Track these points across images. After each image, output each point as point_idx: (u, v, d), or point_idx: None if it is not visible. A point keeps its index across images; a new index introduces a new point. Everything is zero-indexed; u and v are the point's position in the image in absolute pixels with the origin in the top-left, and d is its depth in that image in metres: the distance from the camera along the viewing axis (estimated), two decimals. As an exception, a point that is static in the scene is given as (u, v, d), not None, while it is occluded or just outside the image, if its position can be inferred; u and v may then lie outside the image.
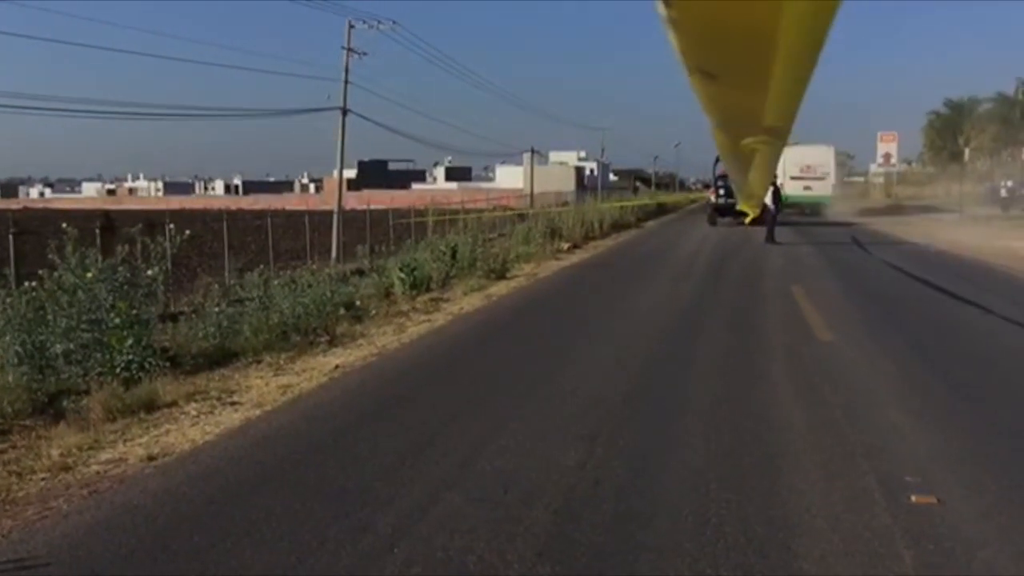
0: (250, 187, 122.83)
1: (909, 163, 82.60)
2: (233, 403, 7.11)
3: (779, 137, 12.12)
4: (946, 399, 7.04)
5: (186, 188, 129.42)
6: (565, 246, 24.44)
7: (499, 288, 15.26)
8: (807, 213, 39.07)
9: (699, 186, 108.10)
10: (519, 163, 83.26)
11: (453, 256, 16.87)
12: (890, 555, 3.90)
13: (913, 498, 4.59)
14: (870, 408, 6.66)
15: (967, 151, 60.52)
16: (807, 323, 10.81)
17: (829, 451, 5.51)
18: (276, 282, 11.74)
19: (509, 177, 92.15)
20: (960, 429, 6.10)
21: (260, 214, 25.11)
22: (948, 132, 71.02)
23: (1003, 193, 47.55)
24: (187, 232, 9.74)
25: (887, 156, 66.60)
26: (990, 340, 9.86)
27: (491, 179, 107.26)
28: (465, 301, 13.51)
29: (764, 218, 25.89)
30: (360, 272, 18.29)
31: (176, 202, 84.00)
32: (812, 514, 4.41)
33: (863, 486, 4.83)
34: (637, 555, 3.95)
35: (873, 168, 74.73)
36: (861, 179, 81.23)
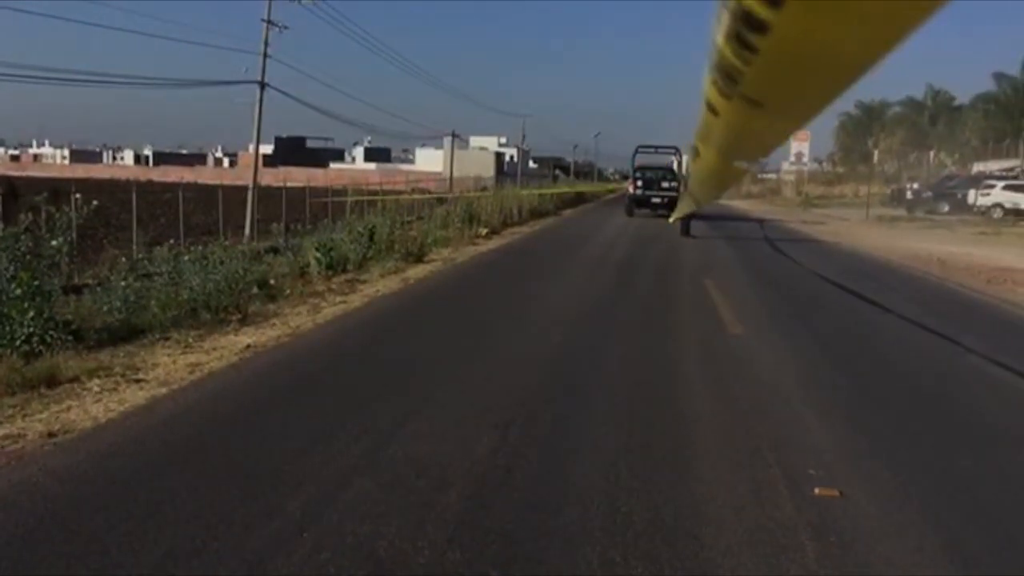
0: (161, 158, 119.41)
1: (820, 163, 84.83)
2: (138, 380, 6.91)
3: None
4: (848, 393, 7.25)
5: (94, 156, 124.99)
6: (483, 232, 24.43)
7: (416, 271, 15.18)
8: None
9: (617, 177, 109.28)
10: (439, 146, 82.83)
11: (371, 238, 16.70)
12: (793, 546, 4.00)
13: (816, 491, 4.72)
14: (776, 401, 6.82)
15: (876, 153, 62.43)
16: (718, 316, 11.01)
17: (737, 443, 5.63)
18: (186, 257, 11.43)
19: (429, 160, 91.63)
20: (862, 423, 6.28)
21: (171, 186, 24.43)
22: (859, 134, 73.23)
23: (909, 195, 49.22)
24: (94, 202, 9.42)
25: (799, 155, 68.34)
26: (891, 337, 10.19)
27: (411, 161, 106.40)
28: (382, 283, 13.40)
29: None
30: (275, 250, 18.00)
31: (83, 170, 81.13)
32: (719, 504, 4.50)
33: (768, 478, 4.95)
34: (547, 542, 3.97)
35: (785, 166, 76.50)
36: (773, 176, 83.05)
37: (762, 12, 1.17)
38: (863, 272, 17.83)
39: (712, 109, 1.85)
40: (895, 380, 7.92)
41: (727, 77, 1.57)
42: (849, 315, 12.07)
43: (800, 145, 66.51)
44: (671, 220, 28.78)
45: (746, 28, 1.26)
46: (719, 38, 1.43)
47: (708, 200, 18.89)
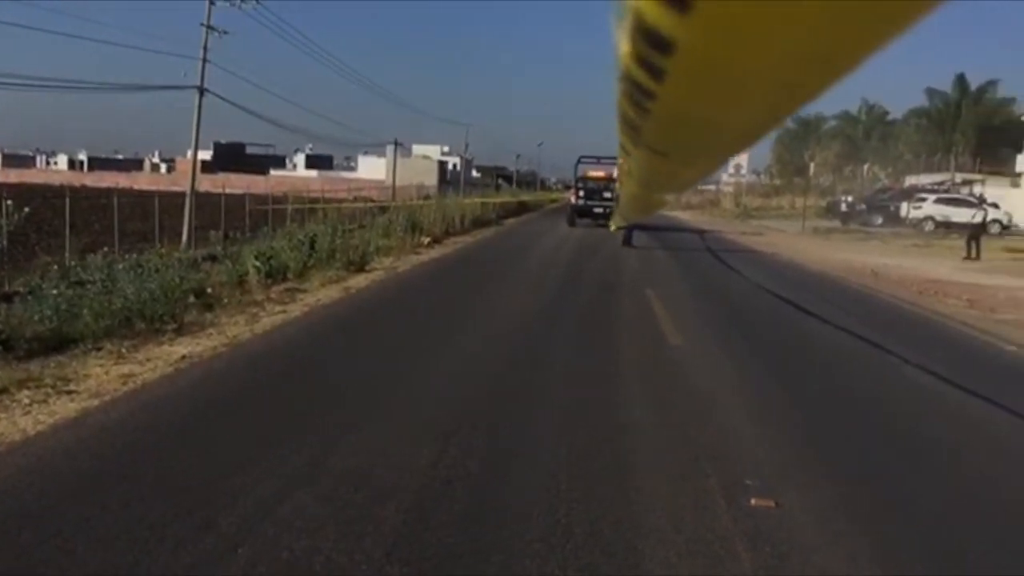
0: (96, 163, 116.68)
1: (758, 174, 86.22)
2: (69, 392, 6.73)
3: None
4: (784, 404, 7.37)
5: (27, 161, 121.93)
6: (425, 240, 24.35)
7: (358, 280, 15.06)
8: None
9: (560, 186, 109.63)
10: (382, 154, 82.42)
11: (312, 246, 16.54)
12: (730, 557, 4.04)
13: (752, 501, 4.77)
14: (714, 411, 6.89)
15: (812, 166, 63.64)
16: (659, 326, 11.11)
17: (675, 454, 5.67)
18: (121, 265, 11.22)
19: (371, 168, 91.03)
20: (798, 434, 6.39)
21: (106, 192, 23.98)
22: (795, 146, 74.54)
23: (843, 208, 50.24)
24: (26, 208, 9.18)
25: (737, 167, 69.32)
26: (827, 348, 10.38)
27: (353, 169, 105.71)
28: (322, 292, 13.26)
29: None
30: (213, 258, 17.73)
31: (15, 175, 78.90)
32: (657, 515, 4.53)
33: (706, 488, 4.99)
34: (487, 555, 3.96)
35: (724, 178, 77.57)
36: (713, 188, 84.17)
37: (647, 83, 1.23)
38: (800, 283, 18.14)
39: (625, 150, 1.92)
40: (831, 391, 8.06)
41: (631, 129, 1.61)
42: (786, 326, 12.26)
43: (738, 157, 67.51)
44: (612, 229, 28.96)
45: (637, 92, 1.32)
46: (620, 96, 1.48)
47: (636, 219, 19.39)
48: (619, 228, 25.46)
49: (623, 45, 1.22)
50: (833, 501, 4.90)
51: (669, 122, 1.40)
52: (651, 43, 1.09)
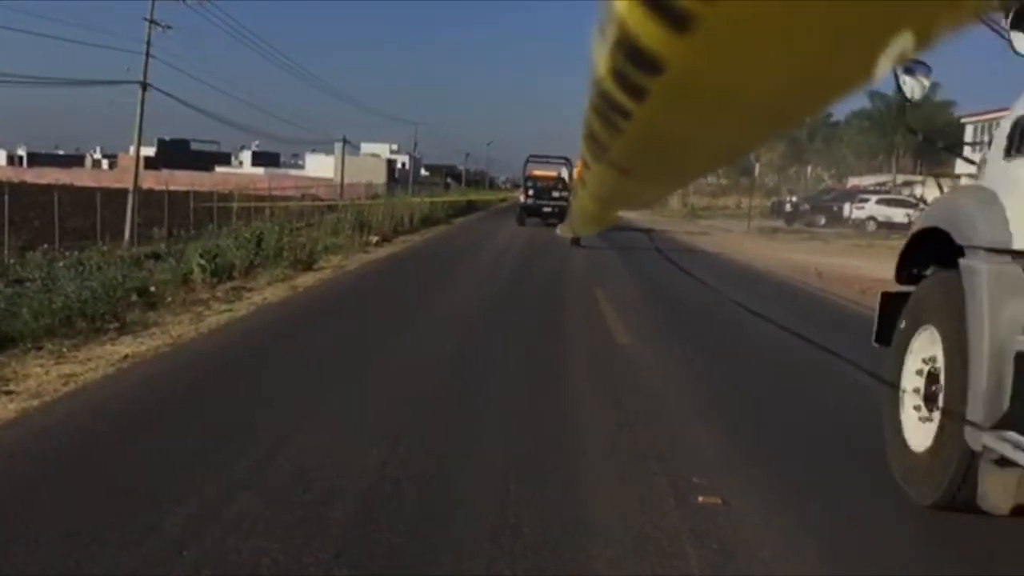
0: (36, 159, 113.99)
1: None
2: (8, 392, 6.57)
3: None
4: (732, 403, 7.45)
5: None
6: (374, 239, 24.22)
7: (306, 279, 14.93)
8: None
9: (509, 185, 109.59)
10: (330, 152, 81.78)
11: (259, 244, 16.35)
12: (677, 555, 4.07)
13: (700, 499, 4.82)
14: (661, 409, 6.96)
15: (757, 166, 64.56)
16: (607, 326, 11.17)
17: (623, 453, 5.71)
18: (62, 263, 11.00)
19: (319, 166, 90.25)
20: (745, 432, 6.46)
21: (46, 189, 23.50)
22: (741, 148, 75.38)
23: (788, 208, 51.04)
24: (-39, 205, 8.94)
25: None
26: (773, 347, 10.50)
27: (301, 167, 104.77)
28: (269, 291, 13.12)
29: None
30: (156, 256, 17.46)
31: (-49, 170, 77.05)
32: (606, 514, 4.55)
33: (654, 487, 5.03)
34: (435, 555, 3.95)
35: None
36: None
37: (625, 102, 1.20)
38: (746, 282, 18.38)
39: (586, 164, 1.89)
40: (776, 389, 8.18)
41: (597, 145, 1.59)
42: (733, 324, 12.38)
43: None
44: (559, 232, 28.94)
45: (610, 110, 1.29)
46: (589, 112, 1.45)
47: (586, 234, 19.39)
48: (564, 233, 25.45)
49: (601, 59, 1.19)
50: (779, 499, 4.96)
51: (642, 142, 1.37)
52: (636, 61, 1.05)
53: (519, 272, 17.90)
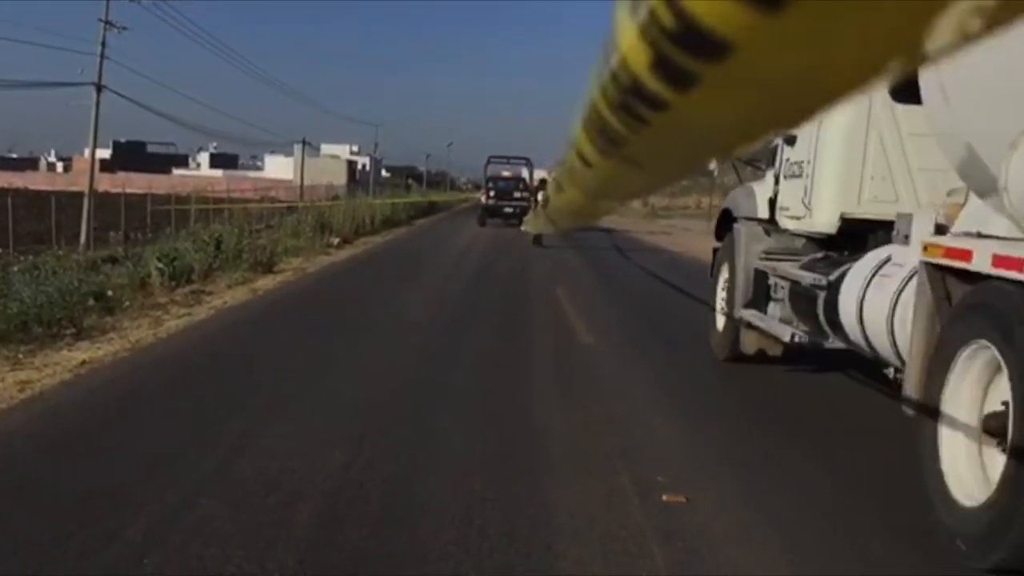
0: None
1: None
2: (-38, 400, 6.45)
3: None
4: (694, 402, 7.51)
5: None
6: (335, 241, 24.07)
7: (266, 282, 14.80)
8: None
9: (470, 186, 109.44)
10: (290, 153, 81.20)
11: (218, 247, 16.17)
12: (643, 554, 4.09)
13: (664, 497, 4.84)
14: (625, 409, 6.99)
15: (716, 166, 65.10)
16: (569, 325, 11.20)
17: (588, 452, 5.73)
18: (16, 268, 10.82)
19: (279, 168, 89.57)
20: (708, 430, 6.51)
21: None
22: (700, 148, 76.02)
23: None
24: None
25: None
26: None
27: (260, 168, 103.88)
28: (229, 294, 12.99)
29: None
30: (113, 260, 17.17)
31: (-101, 174, 75.35)
32: (571, 514, 4.56)
33: (618, 486, 5.05)
34: (401, 558, 3.94)
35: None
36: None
37: (665, 94, 1.12)
38: (707, 282, 18.44)
39: (584, 161, 1.83)
40: (736, 388, 8.26)
41: (608, 140, 1.54)
42: (694, 323, 12.47)
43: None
44: (523, 228, 28.88)
45: (640, 103, 1.21)
46: (602, 106, 1.38)
47: (569, 228, 19.37)
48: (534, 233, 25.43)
49: (637, 50, 1.12)
50: (740, 495, 5.01)
51: (671, 131, 1.31)
52: (694, 47, 1.00)
53: (480, 274, 17.87)
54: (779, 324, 7.64)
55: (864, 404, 7.26)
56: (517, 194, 35.91)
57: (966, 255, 4.37)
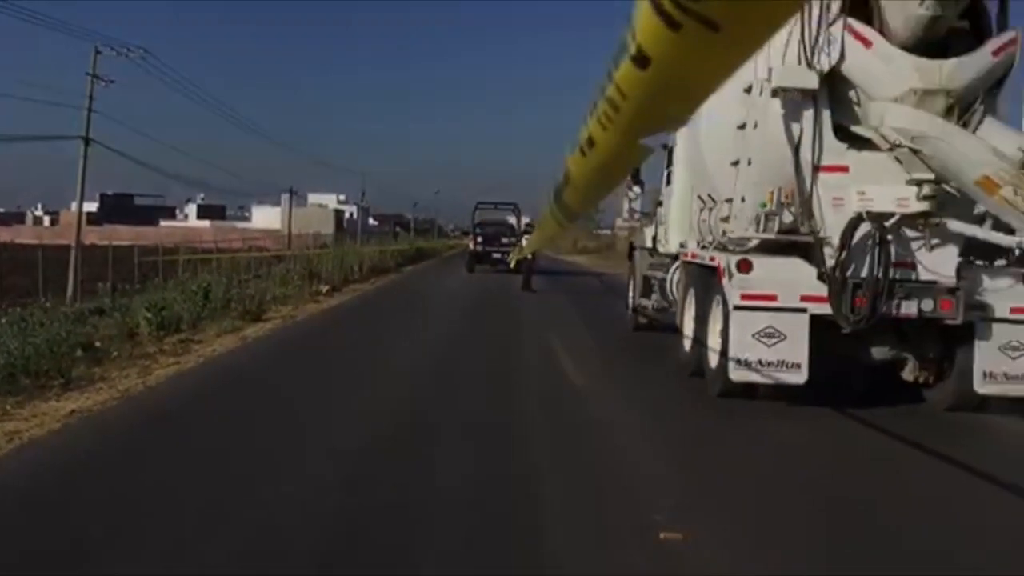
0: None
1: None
2: (-50, 453, 6.38)
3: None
4: (691, 444, 7.53)
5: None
6: (324, 289, 24.03)
7: (255, 330, 14.74)
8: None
9: (457, 233, 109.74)
10: (277, 203, 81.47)
11: (206, 296, 16.14)
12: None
13: (662, 535, 4.82)
14: (621, 452, 6.99)
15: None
16: (561, 369, 11.15)
17: (586, 494, 5.71)
18: (3, 320, 10.77)
19: (266, 217, 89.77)
20: (703, 471, 6.54)
21: (-14, 246, 22.99)
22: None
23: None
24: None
25: (631, 211, 70.69)
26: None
27: (247, 219, 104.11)
28: (218, 343, 12.94)
29: (521, 268, 26.51)
30: (101, 311, 17.07)
31: None
32: (574, 555, 4.54)
33: (616, 525, 5.04)
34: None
35: (619, 222, 78.75)
36: (608, 232, 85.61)
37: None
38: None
39: (591, 141, 2.48)
40: (735, 431, 8.23)
41: (613, 105, 2.03)
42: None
43: (631, 202, 68.94)
44: (511, 264, 28.71)
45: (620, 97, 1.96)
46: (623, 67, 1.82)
47: (550, 240, 20.62)
48: (518, 262, 25.48)
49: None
50: (736, 532, 5.01)
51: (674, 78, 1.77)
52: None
53: (472, 319, 17.83)
54: (654, 302, 13.47)
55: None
56: (505, 240, 35.84)
57: (689, 255, 10.74)
